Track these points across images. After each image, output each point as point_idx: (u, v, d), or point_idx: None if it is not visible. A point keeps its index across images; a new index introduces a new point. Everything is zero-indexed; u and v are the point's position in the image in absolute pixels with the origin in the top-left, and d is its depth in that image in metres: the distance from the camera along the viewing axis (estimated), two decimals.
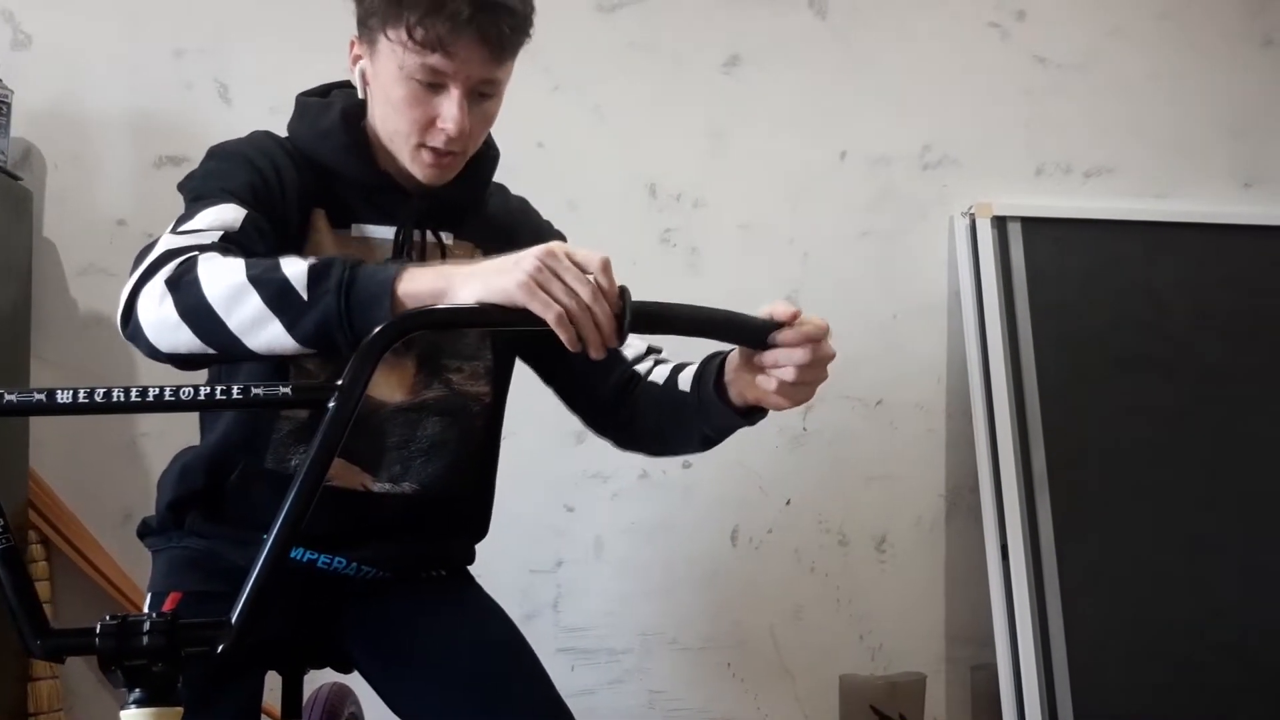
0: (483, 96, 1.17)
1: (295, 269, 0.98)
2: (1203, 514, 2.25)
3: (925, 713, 2.26)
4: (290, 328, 0.96)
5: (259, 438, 1.20)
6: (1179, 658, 2.16)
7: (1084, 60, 2.45)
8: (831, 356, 1.05)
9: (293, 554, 1.17)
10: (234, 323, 0.97)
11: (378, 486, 1.23)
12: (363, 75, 1.21)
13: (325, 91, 1.29)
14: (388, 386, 1.22)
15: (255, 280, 0.97)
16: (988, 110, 2.42)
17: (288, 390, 0.88)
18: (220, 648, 0.81)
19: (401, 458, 1.23)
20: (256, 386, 0.87)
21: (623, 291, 0.99)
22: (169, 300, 0.98)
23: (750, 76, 2.36)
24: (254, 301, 0.97)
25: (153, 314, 0.99)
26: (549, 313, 0.92)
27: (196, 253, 1.02)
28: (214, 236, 1.06)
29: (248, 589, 0.83)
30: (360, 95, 1.23)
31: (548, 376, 1.34)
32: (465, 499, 1.30)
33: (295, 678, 1.31)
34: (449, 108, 1.14)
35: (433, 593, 1.29)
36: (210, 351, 1.00)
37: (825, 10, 2.39)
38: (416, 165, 1.19)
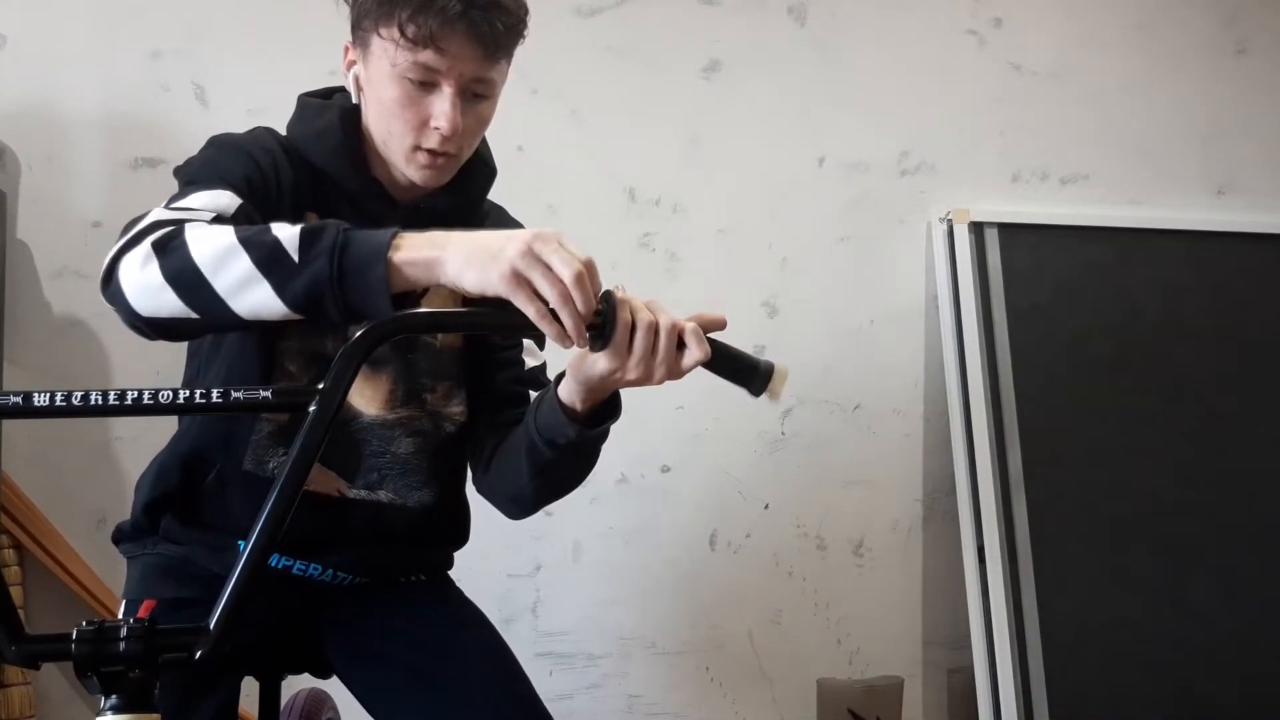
0: (476, 97, 1.17)
1: (287, 232, 0.96)
2: (1178, 517, 2.26)
3: (902, 716, 2.27)
4: (279, 290, 0.95)
5: (237, 438, 1.19)
6: (1154, 661, 2.17)
7: (1060, 68, 2.47)
8: (651, 323, 1.01)
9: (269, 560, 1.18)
10: (221, 284, 0.95)
11: (353, 493, 1.23)
12: (357, 80, 1.21)
13: (328, 94, 1.28)
14: (363, 398, 1.22)
15: (245, 241, 0.96)
16: (965, 117, 2.44)
17: (268, 394, 0.87)
18: (198, 654, 0.81)
19: (378, 466, 1.23)
20: (236, 390, 0.86)
21: (608, 295, 1.00)
22: (154, 262, 0.97)
23: (729, 82, 2.37)
24: (243, 262, 0.95)
25: (136, 276, 0.98)
26: (531, 308, 0.93)
27: (185, 223, 1.00)
28: (205, 216, 1.05)
29: (226, 594, 0.82)
30: (355, 101, 1.22)
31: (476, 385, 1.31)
32: (441, 508, 1.30)
33: (273, 683, 1.31)
34: (441, 105, 1.14)
35: (412, 597, 1.30)
36: (193, 316, 0.98)
37: (804, 17, 2.40)
38: (412, 167, 1.18)
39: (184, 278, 0.96)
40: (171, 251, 0.97)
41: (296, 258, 0.95)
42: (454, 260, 0.94)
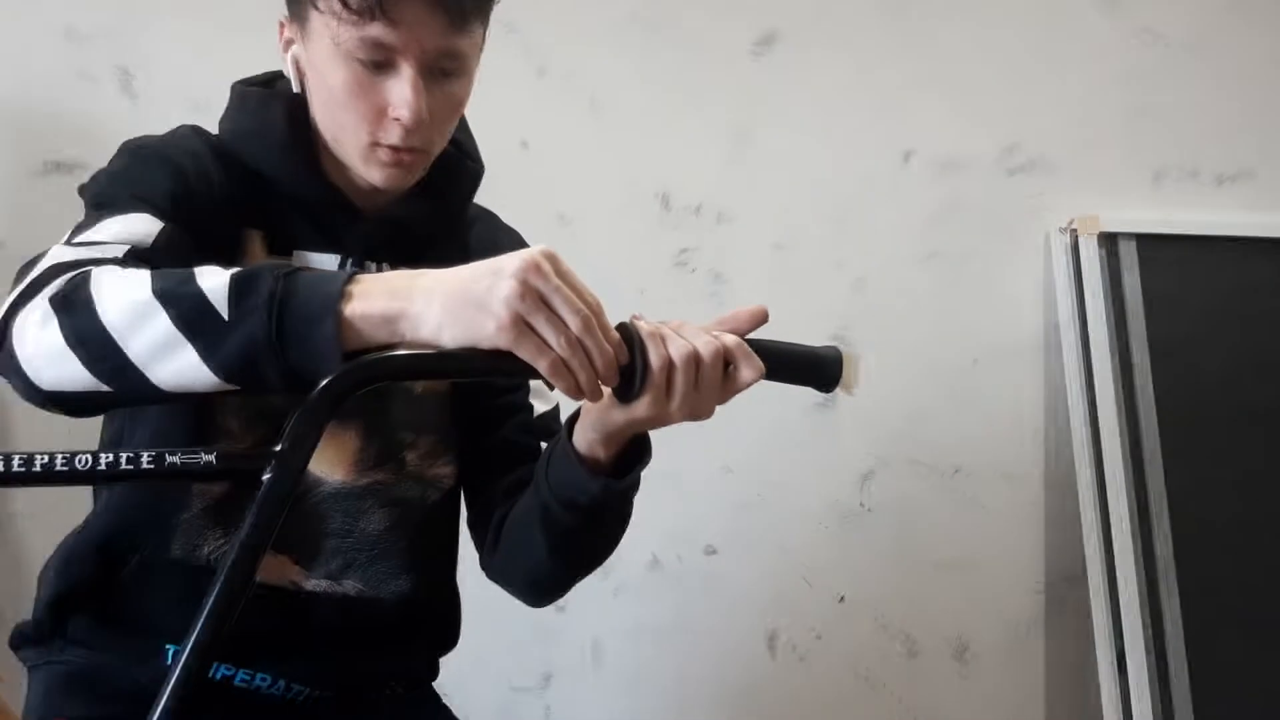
0: (445, 74, 1.18)
1: (214, 280, 0.97)
2: None
3: None
4: (206, 354, 0.95)
5: (162, 518, 1.19)
6: None
7: (1209, 35, 2.46)
8: (691, 354, 1.03)
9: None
10: (135, 349, 0.96)
11: (311, 584, 1.23)
12: (296, 63, 1.22)
13: (270, 80, 1.30)
14: (324, 461, 1.23)
15: (163, 295, 0.96)
16: (1091, 100, 2.43)
17: (212, 458, 0.88)
18: None
19: (342, 549, 1.24)
20: (171, 454, 0.87)
21: (629, 329, 1.02)
22: (54, 323, 0.97)
23: (787, 60, 2.38)
24: (161, 321, 0.95)
25: (32, 341, 0.98)
26: (542, 361, 0.94)
27: (92, 267, 1.01)
28: (118, 251, 1.06)
29: (156, 715, 0.82)
30: (297, 88, 1.23)
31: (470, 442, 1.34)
32: (424, 602, 1.30)
33: None
34: (400, 90, 1.14)
35: (387, 717, 1.29)
36: (105, 389, 0.98)
37: None
38: (371, 167, 1.19)
39: (91, 341, 0.96)
40: (75, 308, 0.97)
41: (226, 313, 0.95)
42: (427, 314, 0.95)
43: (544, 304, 0.94)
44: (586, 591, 2.27)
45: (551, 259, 0.96)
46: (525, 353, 0.94)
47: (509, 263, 0.94)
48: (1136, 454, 2.27)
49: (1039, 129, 2.42)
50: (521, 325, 0.93)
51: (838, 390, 1.10)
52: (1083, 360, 2.31)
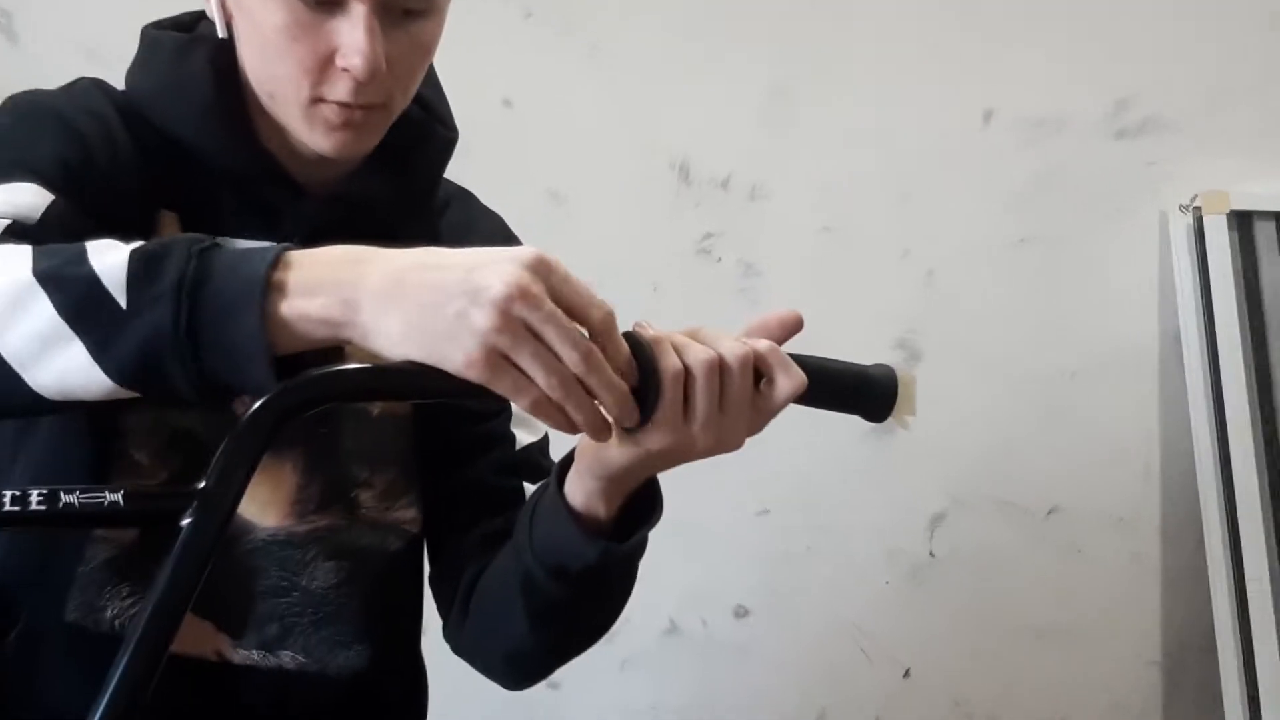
0: (407, 14, 1.17)
1: (110, 259, 0.95)
2: None
3: None
4: (98, 351, 0.93)
5: (54, 573, 1.19)
6: None
7: None
8: (710, 361, 1.01)
9: None
10: (10, 345, 0.94)
11: (240, 655, 1.23)
12: (221, 2, 1.21)
13: (189, 23, 1.29)
14: (254, 502, 1.23)
15: (46, 277, 0.95)
16: (1220, 45, 2.43)
17: (118, 498, 0.87)
18: None
19: (278, 612, 1.24)
20: (67, 492, 0.86)
21: (631, 338, 1.00)
22: None
23: None
24: (42, 310, 0.94)
25: None
26: (522, 398, 0.93)
27: None
28: None
29: None
30: (223, 33, 1.22)
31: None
32: (381, 677, 1.30)
33: None
34: (351, 34, 1.13)
35: None
36: None
37: None
38: (315, 131, 1.18)
39: None
40: None
41: (124, 300, 0.93)
42: (380, 326, 0.92)
43: (531, 336, 0.91)
44: (586, 664, 2.26)
45: (545, 274, 0.92)
46: (501, 389, 0.92)
47: (490, 282, 0.90)
48: (1277, 491, 2.27)
49: (1155, 81, 2.42)
50: (496, 360, 0.91)
51: (890, 420, 1.09)
52: (1210, 372, 2.34)
